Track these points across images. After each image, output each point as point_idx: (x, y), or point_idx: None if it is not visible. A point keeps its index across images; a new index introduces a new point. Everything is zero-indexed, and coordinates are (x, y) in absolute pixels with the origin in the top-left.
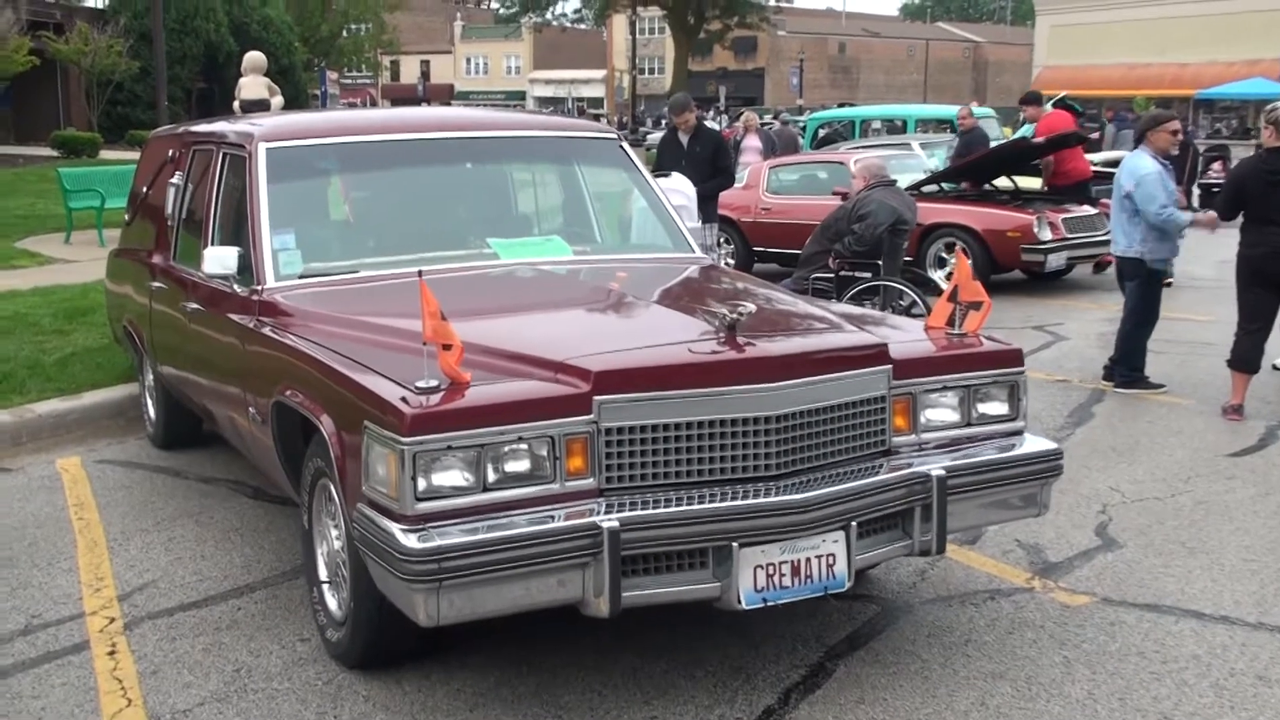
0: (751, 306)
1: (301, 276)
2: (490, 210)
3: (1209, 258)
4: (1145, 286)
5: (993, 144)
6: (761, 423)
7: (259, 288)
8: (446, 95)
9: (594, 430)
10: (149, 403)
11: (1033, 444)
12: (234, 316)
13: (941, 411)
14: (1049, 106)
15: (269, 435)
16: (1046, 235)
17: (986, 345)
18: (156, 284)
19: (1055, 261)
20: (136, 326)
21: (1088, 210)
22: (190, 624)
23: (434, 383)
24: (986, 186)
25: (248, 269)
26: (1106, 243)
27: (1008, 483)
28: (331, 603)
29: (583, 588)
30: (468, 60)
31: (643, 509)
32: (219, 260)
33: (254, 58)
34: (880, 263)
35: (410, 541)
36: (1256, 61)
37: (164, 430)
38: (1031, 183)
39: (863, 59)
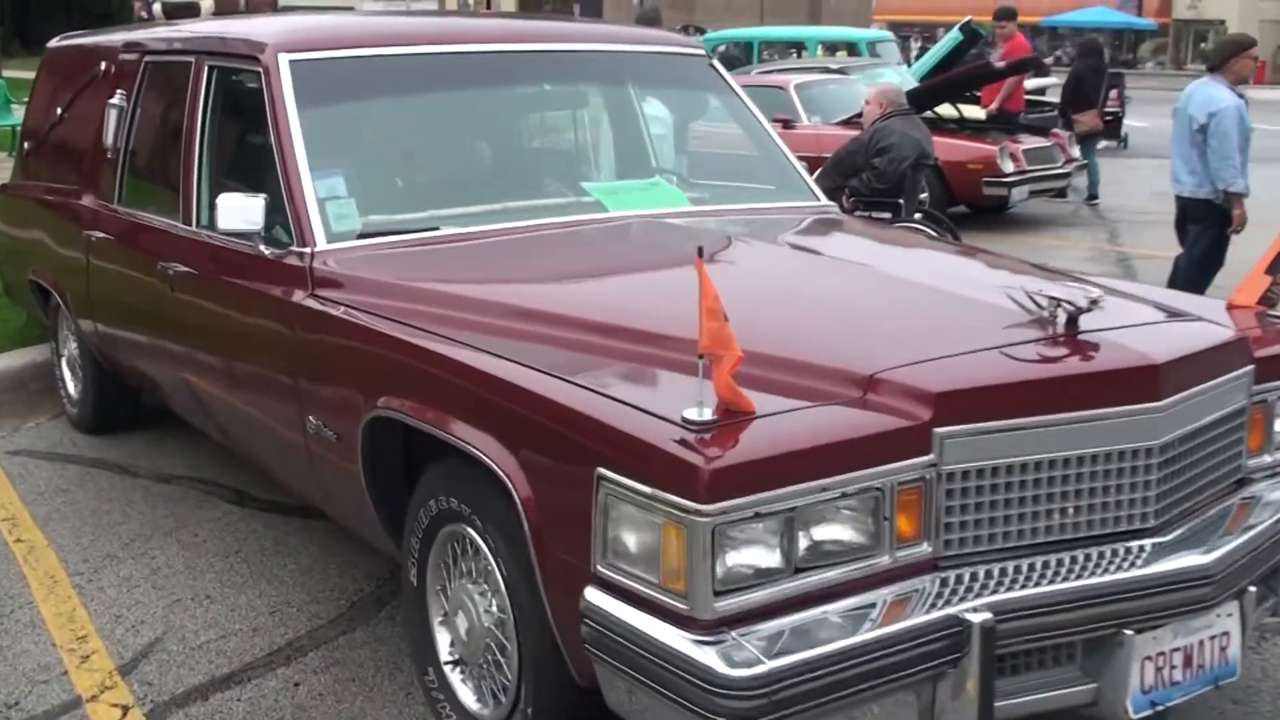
0: (1097, 290)
1: (361, 235)
2: (576, 145)
3: (1140, 190)
4: (1215, 230)
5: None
6: (1142, 456)
7: (306, 250)
8: (270, 8)
9: (932, 476)
10: (67, 376)
11: None
12: (266, 288)
13: None
14: (956, 31)
15: (349, 459)
16: (1009, 167)
17: None
18: (96, 234)
19: (1019, 194)
20: (56, 283)
21: (1043, 141)
22: (240, 714)
23: (706, 412)
24: (929, 114)
25: (278, 225)
26: (1064, 175)
27: None
28: (466, 696)
29: (934, 706)
30: None
31: (1009, 589)
32: (241, 213)
33: None
34: (901, 202)
35: (717, 662)
36: None
37: (94, 410)
38: (972, 111)
39: None
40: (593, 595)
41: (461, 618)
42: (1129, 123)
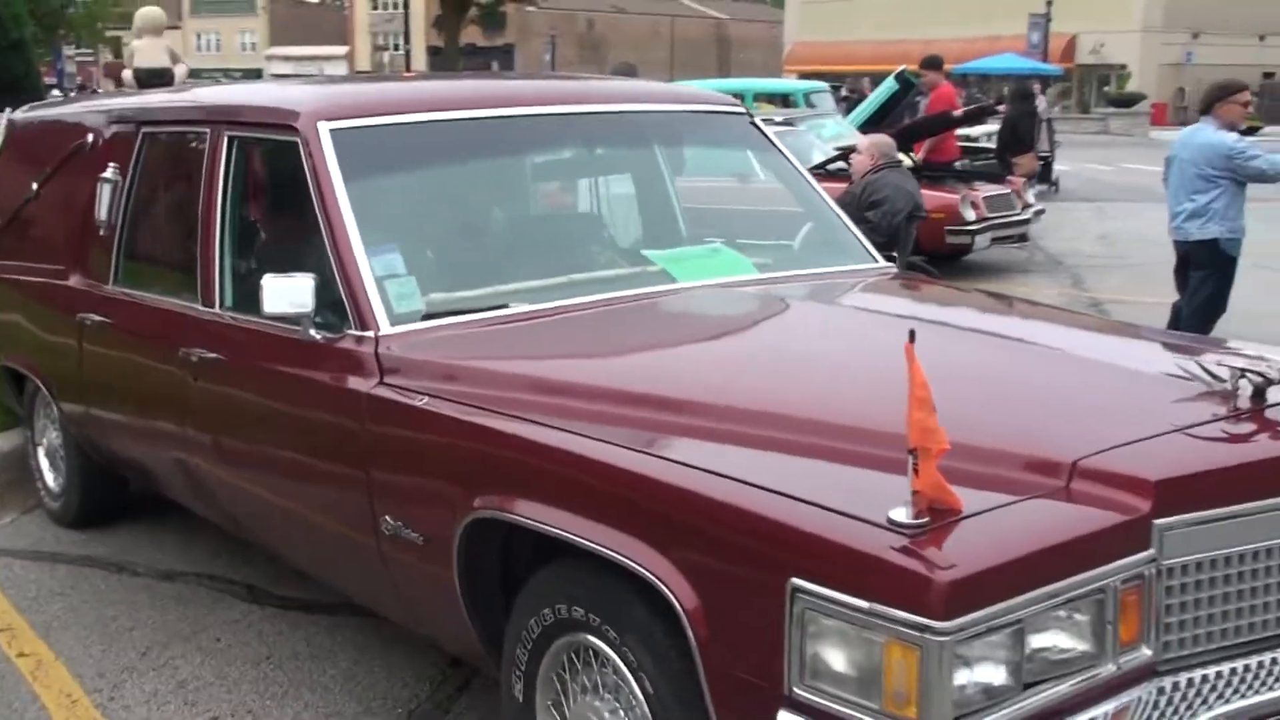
0: (1274, 358)
1: (426, 316)
2: (629, 210)
3: (1084, 233)
4: (1219, 274)
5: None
6: None
7: (368, 334)
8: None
9: (1151, 573)
10: (45, 467)
11: None
12: (318, 376)
13: None
14: (892, 81)
15: (439, 563)
16: (971, 215)
17: None
18: (92, 317)
19: (982, 243)
20: (36, 369)
21: (1000, 188)
22: None
23: (912, 513)
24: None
25: (330, 307)
26: (1024, 222)
27: None
28: None
29: None
30: (198, 36)
31: (1234, 698)
32: (287, 295)
33: (150, 14)
34: (895, 255)
35: None
36: (997, 38)
37: (80, 502)
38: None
39: (611, 36)
40: None
41: None
42: (1057, 166)
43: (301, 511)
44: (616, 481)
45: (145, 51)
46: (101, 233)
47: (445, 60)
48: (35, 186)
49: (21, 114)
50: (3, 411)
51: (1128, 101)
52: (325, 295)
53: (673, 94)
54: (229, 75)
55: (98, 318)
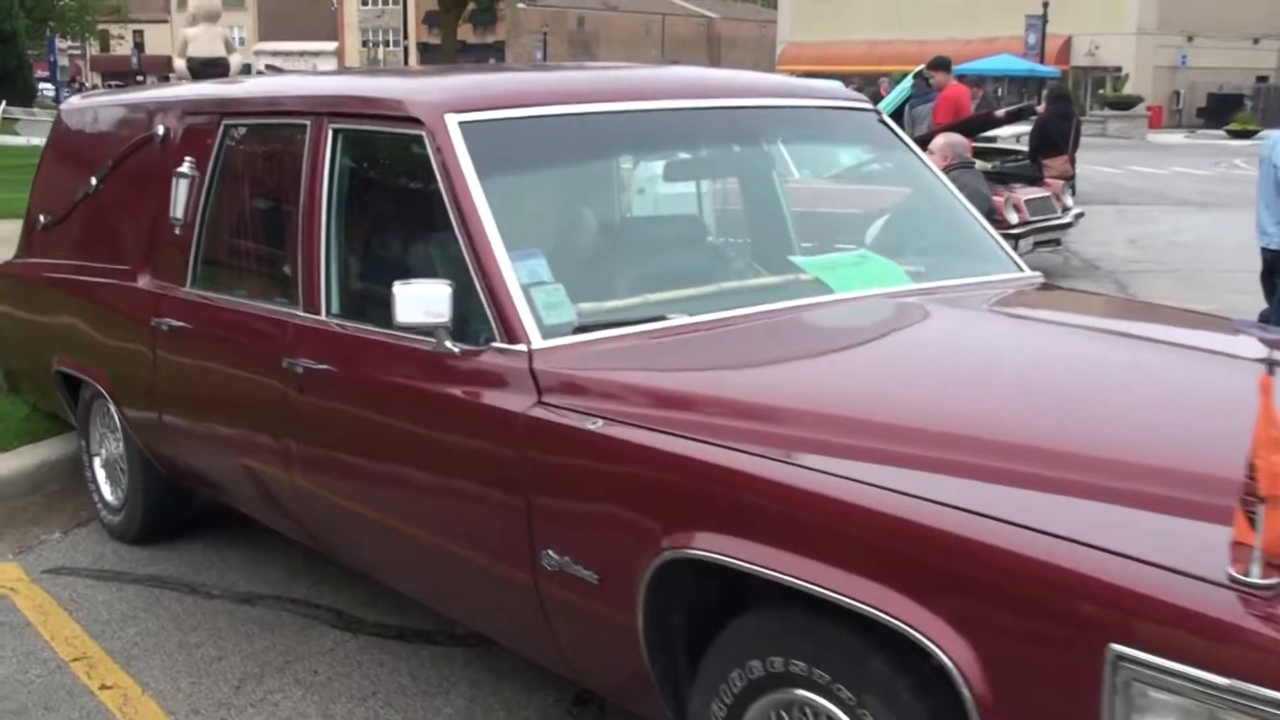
0: None
1: (578, 329)
2: (770, 214)
3: (1114, 237)
4: None
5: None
6: None
7: (519, 348)
8: (164, 68)
9: None
10: (102, 479)
11: None
12: (455, 391)
13: None
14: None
15: (618, 606)
16: (1014, 218)
17: None
18: (169, 321)
19: (1025, 246)
20: (99, 375)
21: (1040, 191)
22: None
23: (1261, 571)
24: None
25: (466, 317)
26: (1064, 226)
27: None
28: None
29: None
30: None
31: None
32: (422, 303)
33: (207, 1)
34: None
35: None
36: (993, 39)
37: (144, 517)
38: None
39: (601, 33)
40: None
41: None
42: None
43: (430, 539)
44: (868, 525)
45: (200, 40)
46: (177, 232)
47: (441, 57)
48: (94, 181)
49: (74, 103)
50: (42, 418)
51: (1125, 104)
52: (461, 304)
53: (804, 88)
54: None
55: (175, 322)
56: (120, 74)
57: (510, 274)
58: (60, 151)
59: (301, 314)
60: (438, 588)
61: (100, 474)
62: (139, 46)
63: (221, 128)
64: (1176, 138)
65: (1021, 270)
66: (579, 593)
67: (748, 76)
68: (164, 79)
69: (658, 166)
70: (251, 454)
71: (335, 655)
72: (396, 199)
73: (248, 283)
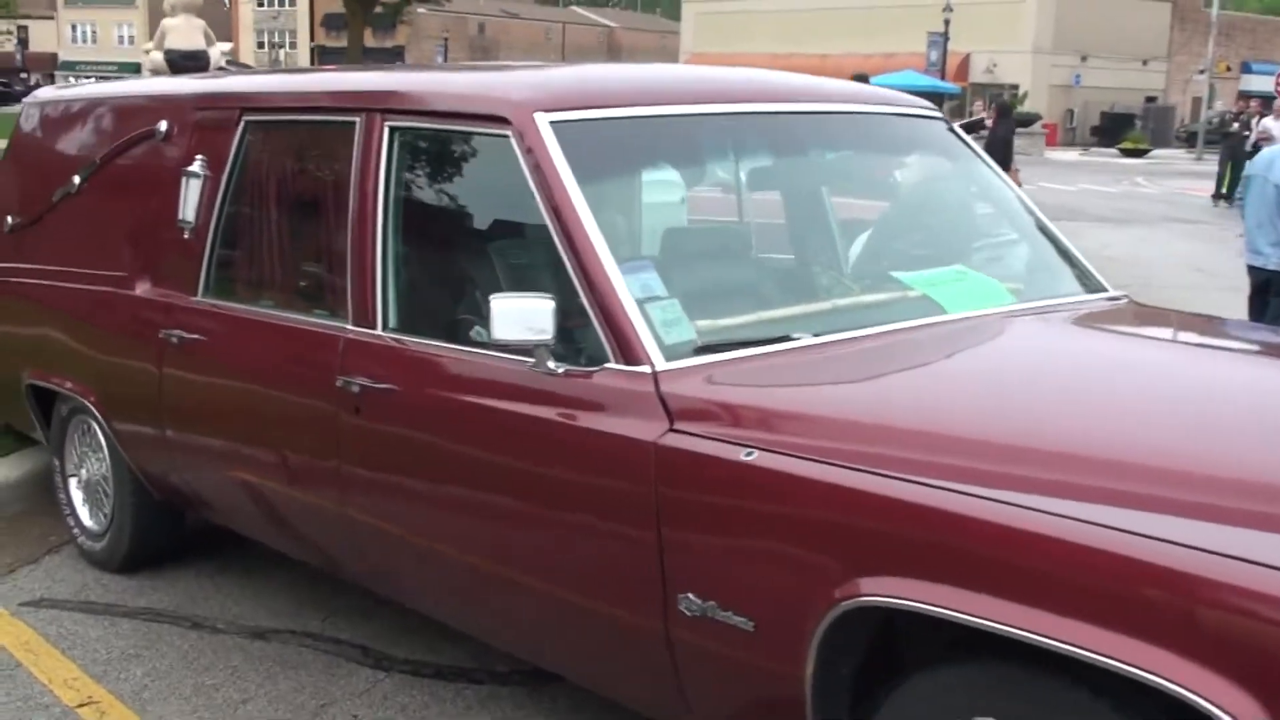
0: None
1: (700, 349)
2: (858, 224)
3: None
4: None
5: None
6: None
7: (642, 370)
8: (50, 65)
9: None
10: (79, 502)
11: None
12: (572, 419)
13: None
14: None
15: (780, 658)
16: None
17: None
18: (179, 334)
19: None
20: (85, 390)
21: None
22: None
23: None
24: None
25: (573, 336)
26: None
27: None
28: None
29: None
30: (73, 27)
31: None
32: (523, 318)
33: None
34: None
35: None
36: (892, 55)
37: (132, 544)
38: None
39: (502, 40)
40: None
41: None
42: None
43: (522, 579)
44: (1127, 577)
45: (180, 31)
46: (185, 236)
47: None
48: (76, 181)
49: (46, 95)
50: (5, 434)
51: (1025, 121)
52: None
53: (880, 96)
54: (102, 70)
55: (186, 334)
56: (4, 70)
57: (624, 289)
58: (28, 147)
59: (353, 328)
60: (529, 632)
61: (78, 496)
62: (23, 43)
63: (241, 124)
64: (1072, 155)
65: (1105, 287)
66: (726, 642)
67: (838, 84)
68: (48, 78)
69: (757, 173)
70: (283, 477)
71: (373, 696)
72: (469, 205)
73: (276, 293)
